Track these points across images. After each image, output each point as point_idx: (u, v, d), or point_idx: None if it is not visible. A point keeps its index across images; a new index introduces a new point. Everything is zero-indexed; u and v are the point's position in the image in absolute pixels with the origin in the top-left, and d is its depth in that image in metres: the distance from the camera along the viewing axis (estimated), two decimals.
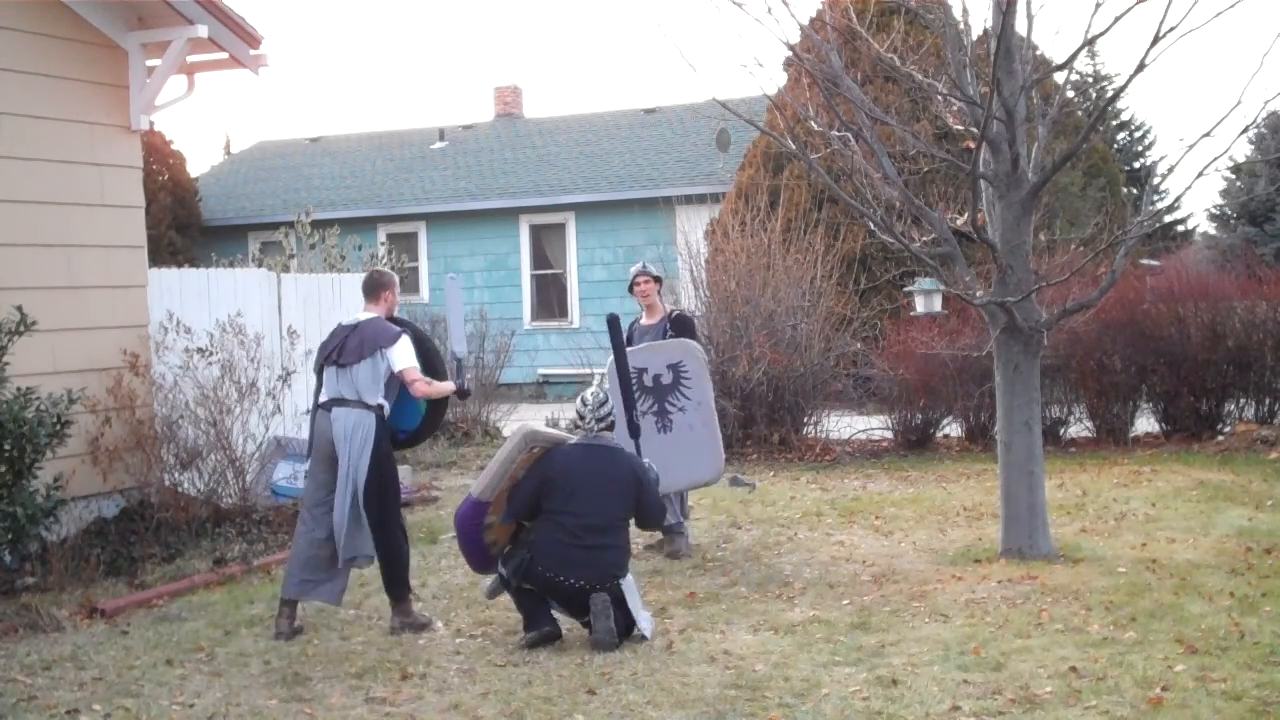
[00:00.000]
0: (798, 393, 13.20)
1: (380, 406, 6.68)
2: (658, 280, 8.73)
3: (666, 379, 8.10)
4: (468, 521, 6.54)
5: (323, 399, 6.72)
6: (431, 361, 6.99)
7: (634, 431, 7.25)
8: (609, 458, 6.56)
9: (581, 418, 6.65)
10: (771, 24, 10.96)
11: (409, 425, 7.06)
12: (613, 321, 7.54)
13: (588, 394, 6.72)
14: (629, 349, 8.16)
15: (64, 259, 8.74)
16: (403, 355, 6.70)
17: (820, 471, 12.13)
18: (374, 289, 6.96)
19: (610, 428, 6.68)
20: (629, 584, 6.45)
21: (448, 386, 6.97)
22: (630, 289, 8.80)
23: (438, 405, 7.16)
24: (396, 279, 7.15)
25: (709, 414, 8.19)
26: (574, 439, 6.65)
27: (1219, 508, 9.34)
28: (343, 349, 6.68)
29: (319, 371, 6.82)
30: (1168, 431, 13.01)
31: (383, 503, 6.64)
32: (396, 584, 6.74)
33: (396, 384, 6.76)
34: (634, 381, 7.89)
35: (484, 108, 34.95)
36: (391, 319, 6.96)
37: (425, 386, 6.74)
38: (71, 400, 7.66)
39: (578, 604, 6.40)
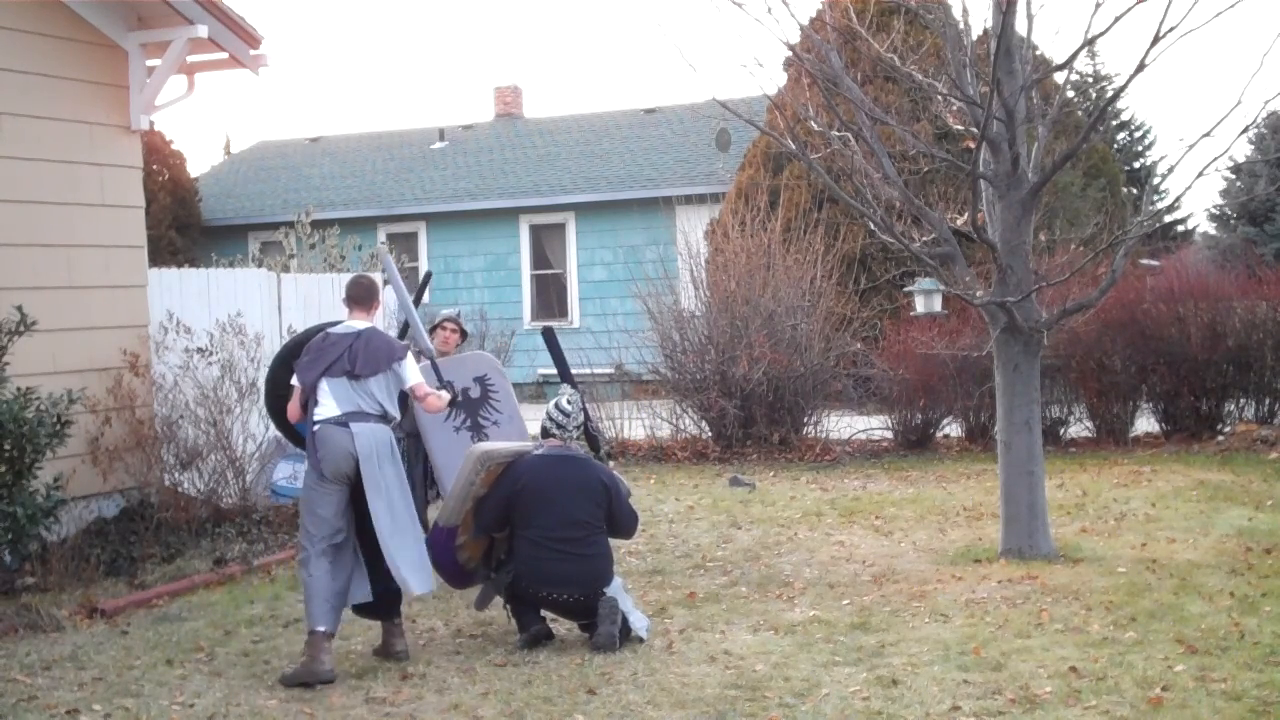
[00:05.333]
0: (798, 393, 13.21)
1: (397, 422, 6.43)
2: (463, 335, 8.31)
3: (475, 392, 7.98)
4: (441, 547, 6.60)
5: (336, 413, 6.13)
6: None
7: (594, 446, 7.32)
8: (577, 467, 6.55)
9: (561, 427, 6.61)
10: (771, 24, 10.98)
11: None
12: (547, 332, 7.74)
13: (562, 402, 6.68)
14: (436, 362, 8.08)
15: (64, 259, 8.74)
16: (413, 370, 6.36)
17: (820, 471, 12.13)
18: (368, 297, 6.40)
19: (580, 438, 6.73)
20: (616, 585, 6.49)
21: (447, 396, 6.66)
22: (431, 330, 8.14)
23: None
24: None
25: (521, 427, 8.06)
26: (538, 450, 6.63)
27: (1219, 508, 9.34)
28: (354, 359, 6.16)
29: (314, 383, 6.20)
30: (1168, 431, 13.01)
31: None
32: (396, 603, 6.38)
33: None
34: None
35: (484, 108, 34.95)
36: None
37: (437, 402, 6.44)
38: (71, 400, 7.66)
39: (572, 613, 6.45)
